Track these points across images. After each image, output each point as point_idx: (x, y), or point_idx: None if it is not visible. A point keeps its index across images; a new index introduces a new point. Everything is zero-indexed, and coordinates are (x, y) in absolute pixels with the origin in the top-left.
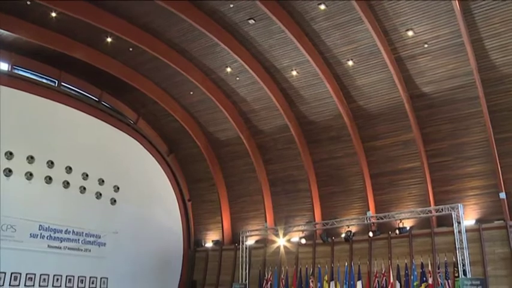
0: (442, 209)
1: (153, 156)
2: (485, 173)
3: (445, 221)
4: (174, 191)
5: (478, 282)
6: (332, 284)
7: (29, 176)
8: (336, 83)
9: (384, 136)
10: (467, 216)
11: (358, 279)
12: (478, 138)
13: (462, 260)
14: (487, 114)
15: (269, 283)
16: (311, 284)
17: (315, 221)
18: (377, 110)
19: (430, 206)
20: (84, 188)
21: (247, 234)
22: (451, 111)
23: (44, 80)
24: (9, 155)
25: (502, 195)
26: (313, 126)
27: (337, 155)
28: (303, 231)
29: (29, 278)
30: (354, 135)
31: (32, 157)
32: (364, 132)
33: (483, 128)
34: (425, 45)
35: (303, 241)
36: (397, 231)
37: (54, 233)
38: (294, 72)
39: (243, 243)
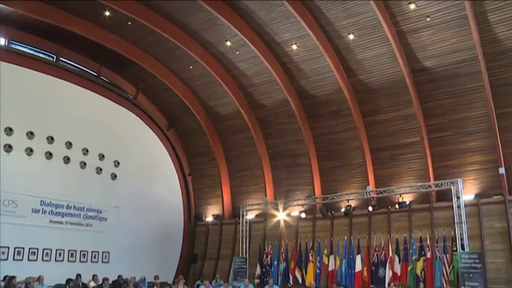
0: (441, 184)
1: (153, 130)
2: (485, 148)
3: (445, 195)
4: (174, 166)
5: (476, 256)
6: (331, 257)
7: (29, 151)
8: (336, 57)
9: (384, 111)
10: (467, 191)
11: (358, 253)
12: (479, 113)
13: (460, 234)
14: (489, 89)
15: (269, 257)
16: (311, 257)
17: (314, 195)
18: (378, 84)
19: (429, 181)
20: (85, 164)
21: (248, 208)
22: (452, 86)
23: (42, 55)
24: (9, 131)
25: (502, 170)
26: (313, 101)
27: (337, 130)
28: (302, 205)
29: (32, 252)
30: (354, 109)
31: (31, 133)
32: (364, 107)
33: (484, 102)
34: (428, 19)
35: (303, 215)
36: (397, 206)
37: (56, 208)
38: (295, 46)
39: (243, 218)
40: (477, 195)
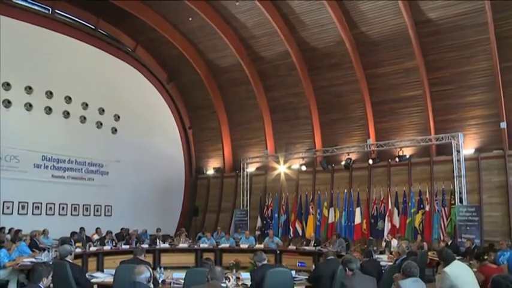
0: (442, 138)
1: (153, 84)
2: (487, 102)
3: (445, 149)
4: (175, 119)
5: (473, 209)
6: (331, 210)
7: (29, 106)
8: (338, 8)
9: (386, 63)
10: (467, 145)
11: (357, 206)
12: (483, 66)
13: (459, 188)
14: (494, 42)
15: (270, 209)
16: (311, 210)
17: (315, 148)
18: (380, 36)
19: (430, 134)
20: (85, 118)
21: (248, 161)
22: (456, 38)
23: (36, 7)
24: (7, 86)
25: (503, 124)
26: (314, 53)
27: (338, 82)
28: (303, 158)
29: (35, 206)
30: (355, 62)
31: (30, 88)
32: (366, 60)
33: (489, 56)
34: None
35: (303, 168)
36: (397, 159)
37: (57, 163)
38: None
39: (243, 170)
40: (477, 150)
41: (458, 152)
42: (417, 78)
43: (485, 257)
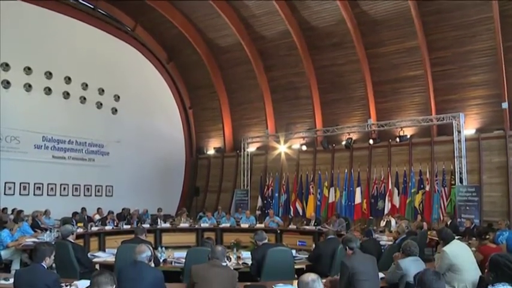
0: (443, 118)
1: (153, 64)
2: (489, 82)
3: (446, 130)
4: (175, 99)
5: (473, 190)
6: (332, 190)
7: (28, 87)
8: None
9: (387, 43)
10: (468, 126)
11: (358, 186)
12: (486, 45)
13: (459, 168)
14: (498, 20)
15: (270, 189)
16: (311, 189)
17: (315, 128)
18: (382, 15)
19: (431, 114)
20: (85, 98)
21: (249, 141)
22: (459, 17)
23: None
24: (6, 66)
25: (505, 105)
26: (315, 32)
27: (339, 62)
28: (303, 138)
29: (37, 187)
30: (356, 41)
31: (29, 68)
32: (367, 39)
33: (492, 35)
34: None
35: (304, 148)
36: (398, 139)
37: (58, 143)
38: None
39: (244, 150)
40: (478, 130)
41: (459, 132)
42: (419, 58)
43: (487, 236)
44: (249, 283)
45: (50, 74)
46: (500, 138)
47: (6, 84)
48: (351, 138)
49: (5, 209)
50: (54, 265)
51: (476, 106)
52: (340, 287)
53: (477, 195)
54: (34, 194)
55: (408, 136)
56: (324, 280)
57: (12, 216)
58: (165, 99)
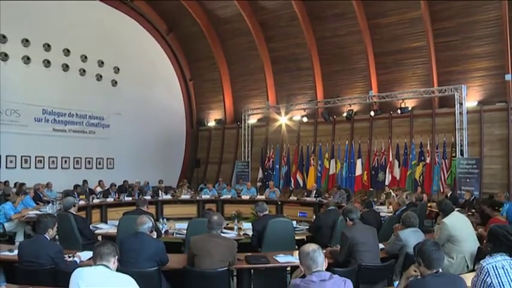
0: (445, 90)
1: (153, 35)
2: (493, 53)
3: (447, 102)
4: (175, 71)
5: (474, 162)
6: (332, 161)
7: (26, 60)
8: None
9: (390, 13)
10: (470, 98)
11: (358, 158)
12: (491, 16)
13: (460, 140)
14: None
15: (271, 160)
16: (312, 161)
17: (316, 99)
18: None
19: (433, 86)
20: (84, 71)
21: (250, 112)
22: None
23: None
24: (3, 38)
25: (508, 76)
26: (317, 3)
27: (341, 33)
28: (304, 109)
29: (38, 160)
30: (358, 12)
31: (27, 40)
32: (369, 9)
33: (498, 5)
34: None
35: (305, 119)
36: (399, 111)
37: (58, 116)
38: None
39: (245, 122)
40: (480, 102)
41: (460, 104)
42: (422, 29)
43: (500, 208)
44: (250, 253)
45: (49, 46)
46: (502, 111)
47: (4, 56)
48: (352, 110)
49: (6, 182)
50: (57, 237)
51: (479, 78)
52: (341, 258)
53: (477, 167)
54: (35, 167)
55: (409, 108)
56: (324, 251)
57: (14, 190)
58: (165, 71)
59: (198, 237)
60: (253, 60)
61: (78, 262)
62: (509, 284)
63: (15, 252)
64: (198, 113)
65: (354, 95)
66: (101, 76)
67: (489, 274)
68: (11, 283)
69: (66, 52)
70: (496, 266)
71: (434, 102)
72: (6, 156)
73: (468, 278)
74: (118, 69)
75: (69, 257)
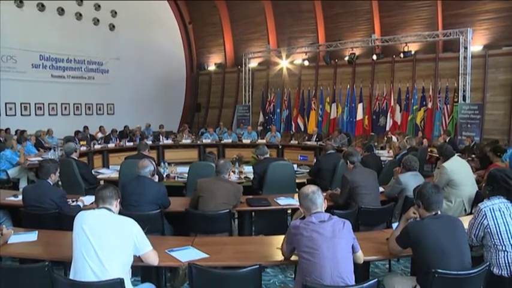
0: (449, 34)
1: None
2: None
3: (452, 46)
4: (174, 14)
5: (476, 107)
6: (334, 105)
7: (19, 3)
8: None
9: None
10: (475, 42)
11: (360, 102)
12: None
13: (463, 85)
14: None
15: (272, 104)
16: (313, 105)
17: (318, 42)
18: None
19: (437, 30)
20: (80, 15)
21: (250, 56)
22: None
23: None
24: None
25: None
26: None
27: None
28: (306, 53)
29: (38, 107)
30: None
31: None
32: None
33: None
34: None
35: (306, 63)
36: (401, 55)
37: (56, 62)
38: None
39: (245, 66)
40: (486, 46)
41: (465, 48)
42: None
43: (501, 154)
44: (251, 196)
45: None
46: (508, 55)
47: None
48: (354, 54)
49: (7, 129)
50: (60, 183)
51: (486, 21)
52: (341, 200)
53: (479, 113)
54: (36, 114)
55: (413, 52)
56: (324, 194)
57: (15, 137)
58: (163, 14)
59: (204, 179)
60: (254, 2)
61: (81, 206)
62: (505, 225)
63: (20, 197)
64: (198, 57)
65: (356, 38)
66: (98, 20)
67: (486, 216)
68: (17, 227)
69: None
70: (493, 209)
71: (438, 46)
72: (6, 103)
73: (466, 220)
74: (115, 12)
75: (73, 201)
